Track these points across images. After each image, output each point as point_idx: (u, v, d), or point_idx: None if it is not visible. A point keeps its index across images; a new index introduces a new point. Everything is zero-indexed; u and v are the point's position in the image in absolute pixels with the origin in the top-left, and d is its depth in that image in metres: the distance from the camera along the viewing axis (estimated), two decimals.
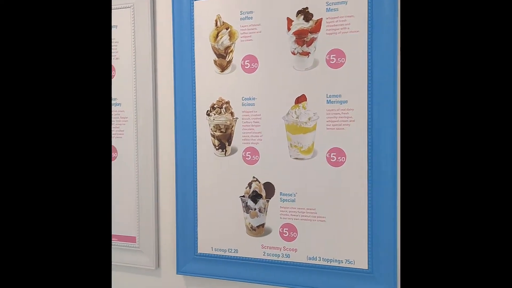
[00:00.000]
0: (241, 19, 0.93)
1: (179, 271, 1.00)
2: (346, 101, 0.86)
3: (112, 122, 1.06)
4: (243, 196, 0.95)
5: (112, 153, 1.07)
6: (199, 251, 0.99)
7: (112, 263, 1.08)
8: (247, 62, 0.94)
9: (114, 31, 1.05)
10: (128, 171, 1.05)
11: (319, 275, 0.89)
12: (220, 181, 0.96)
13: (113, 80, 1.06)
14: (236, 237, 0.96)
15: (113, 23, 1.05)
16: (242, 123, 0.94)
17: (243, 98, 0.94)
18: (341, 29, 0.86)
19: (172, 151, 1.02)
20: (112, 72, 1.06)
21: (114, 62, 1.05)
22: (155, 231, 1.03)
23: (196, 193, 0.98)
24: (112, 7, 1.04)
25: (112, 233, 1.08)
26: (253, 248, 0.94)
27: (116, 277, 1.10)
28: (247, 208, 0.94)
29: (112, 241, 1.08)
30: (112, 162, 1.07)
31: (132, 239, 1.06)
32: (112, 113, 1.06)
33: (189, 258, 1.00)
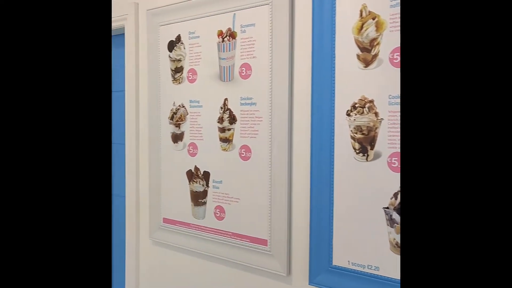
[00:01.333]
0: (391, 6, 0.82)
1: (311, 281, 0.94)
2: None
3: (247, 122, 1.05)
4: (387, 208, 0.84)
5: (246, 153, 1.06)
6: (334, 263, 0.91)
7: (243, 263, 1.07)
8: (396, 56, 0.82)
9: (251, 29, 1.03)
10: (262, 171, 1.03)
11: None
12: (361, 189, 0.87)
13: (249, 80, 1.04)
14: (377, 253, 0.85)
15: (250, 21, 1.03)
16: (388, 125, 0.83)
17: (390, 97, 0.83)
18: None
19: (307, 153, 0.96)
20: (248, 71, 1.04)
21: (250, 61, 1.04)
22: (287, 235, 0.99)
23: (333, 200, 0.91)
24: (250, 4, 1.03)
25: (244, 234, 1.07)
26: (398, 268, 0.83)
27: (247, 278, 1.09)
28: (391, 222, 0.83)
29: (243, 241, 1.07)
30: (246, 161, 1.06)
31: (263, 242, 1.03)
32: (247, 112, 1.05)
33: (323, 269, 0.93)
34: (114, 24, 1.40)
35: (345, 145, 0.89)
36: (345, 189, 0.89)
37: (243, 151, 1.06)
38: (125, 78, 1.37)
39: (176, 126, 1.22)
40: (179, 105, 1.21)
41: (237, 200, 1.08)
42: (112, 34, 1.49)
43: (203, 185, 1.16)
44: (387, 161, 0.84)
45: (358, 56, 0.87)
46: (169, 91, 1.24)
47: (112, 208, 1.55)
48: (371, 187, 0.86)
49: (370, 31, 0.85)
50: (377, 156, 0.85)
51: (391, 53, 0.82)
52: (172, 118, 1.23)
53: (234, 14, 1.06)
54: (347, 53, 0.88)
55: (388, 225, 0.84)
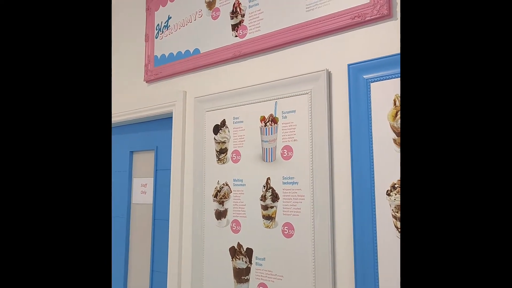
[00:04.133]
0: None
1: None
2: None
3: (289, 200, 1.11)
4: None
5: (289, 230, 1.10)
6: None
7: None
8: None
9: (292, 115, 1.13)
10: (305, 249, 1.06)
11: None
12: None
13: (290, 160, 1.12)
14: None
15: (291, 108, 1.14)
16: None
17: None
18: None
19: (350, 233, 1.00)
20: (290, 152, 1.13)
21: (292, 144, 1.12)
22: None
23: (378, 278, 0.92)
24: (291, 94, 1.14)
25: None
26: None
27: None
28: None
29: None
30: (289, 239, 1.10)
31: None
32: (289, 191, 1.12)
33: None
34: (164, 110, 1.55)
35: (387, 223, 0.93)
36: (389, 268, 0.91)
37: (286, 228, 1.11)
38: (172, 157, 1.49)
39: (220, 204, 1.29)
40: (223, 184, 1.29)
41: (280, 277, 1.11)
42: (161, 117, 1.64)
43: (246, 262, 1.19)
44: None
45: (394, 140, 0.94)
46: (213, 170, 1.33)
47: (153, 284, 1.58)
48: None
49: None
50: None
51: None
52: (216, 195, 1.31)
53: (276, 102, 1.18)
54: (383, 137, 0.95)
55: None
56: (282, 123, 1.16)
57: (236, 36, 1.31)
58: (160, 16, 1.62)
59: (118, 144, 1.86)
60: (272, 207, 1.15)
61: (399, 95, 0.94)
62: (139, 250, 1.70)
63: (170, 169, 1.52)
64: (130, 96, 1.75)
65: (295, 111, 1.13)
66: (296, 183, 1.11)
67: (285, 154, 1.14)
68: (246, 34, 1.28)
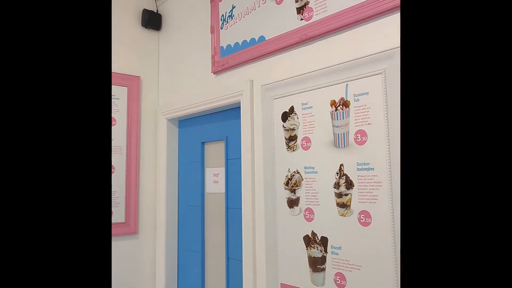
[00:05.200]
0: None
1: None
2: None
3: (365, 187, 1.06)
4: None
5: (366, 219, 1.05)
6: None
7: None
8: None
9: (365, 98, 1.07)
10: (384, 238, 1.01)
11: None
12: None
13: (365, 145, 1.07)
14: None
15: (363, 90, 1.08)
16: None
17: None
18: None
19: None
20: (364, 137, 1.07)
21: (366, 128, 1.07)
22: None
23: None
24: (363, 75, 1.08)
25: None
26: None
27: None
28: None
29: None
30: (366, 227, 1.05)
31: None
32: (364, 177, 1.06)
33: None
34: (232, 100, 1.56)
35: None
36: None
37: (362, 216, 1.06)
38: (241, 146, 1.49)
39: (292, 192, 1.27)
40: (294, 171, 1.27)
41: (358, 267, 1.06)
42: (230, 107, 1.66)
43: (321, 251, 1.17)
44: None
45: None
46: (283, 158, 1.31)
47: (229, 272, 1.61)
48: None
49: None
50: None
51: None
52: (287, 184, 1.29)
53: (347, 84, 1.12)
54: None
55: None
56: (354, 107, 1.10)
57: (301, 19, 1.27)
58: (224, 7, 1.62)
59: (190, 136, 1.92)
60: (346, 194, 1.11)
61: None
62: (214, 238, 1.74)
63: (241, 158, 1.54)
64: (199, 89, 1.78)
65: (368, 93, 1.07)
66: (372, 169, 1.05)
67: (358, 139, 1.09)
68: (312, 16, 1.24)
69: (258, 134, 1.45)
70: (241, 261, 1.53)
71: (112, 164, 1.87)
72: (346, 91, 1.12)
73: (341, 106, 1.14)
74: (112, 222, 1.85)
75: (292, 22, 1.30)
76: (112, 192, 1.86)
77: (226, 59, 1.59)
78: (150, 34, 2.08)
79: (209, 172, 1.80)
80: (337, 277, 1.12)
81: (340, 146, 1.13)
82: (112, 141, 1.88)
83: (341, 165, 1.13)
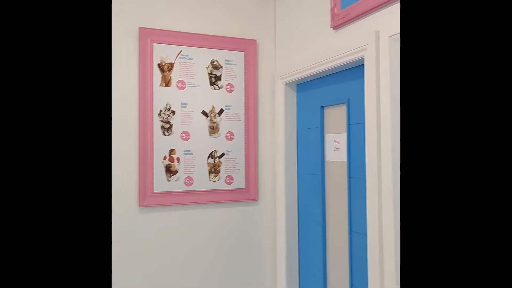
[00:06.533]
0: None
1: None
2: None
3: None
4: None
5: None
6: None
7: None
8: None
9: None
10: None
11: None
12: None
13: None
14: None
15: None
16: None
17: None
18: None
19: None
20: None
21: None
22: None
23: None
24: None
25: None
26: None
27: None
28: None
29: None
30: None
31: None
32: None
33: None
34: (353, 56, 1.38)
35: None
36: None
37: None
38: (365, 109, 1.33)
39: None
40: None
41: None
42: (351, 66, 1.49)
43: None
44: None
45: None
46: None
47: (352, 246, 1.50)
48: None
49: None
50: None
51: None
52: None
53: None
54: None
55: None
56: None
57: None
58: None
59: (308, 100, 1.81)
60: None
61: None
62: (335, 209, 1.63)
63: (364, 123, 1.37)
64: (317, 48, 1.64)
65: None
66: None
67: None
68: None
69: (384, 95, 1.26)
70: (366, 235, 1.40)
71: (231, 130, 1.88)
72: None
73: None
74: (232, 188, 1.88)
75: None
76: (232, 159, 1.88)
77: (347, 10, 1.41)
78: None
79: (329, 139, 1.68)
80: None
81: None
82: (230, 108, 1.88)
83: None
